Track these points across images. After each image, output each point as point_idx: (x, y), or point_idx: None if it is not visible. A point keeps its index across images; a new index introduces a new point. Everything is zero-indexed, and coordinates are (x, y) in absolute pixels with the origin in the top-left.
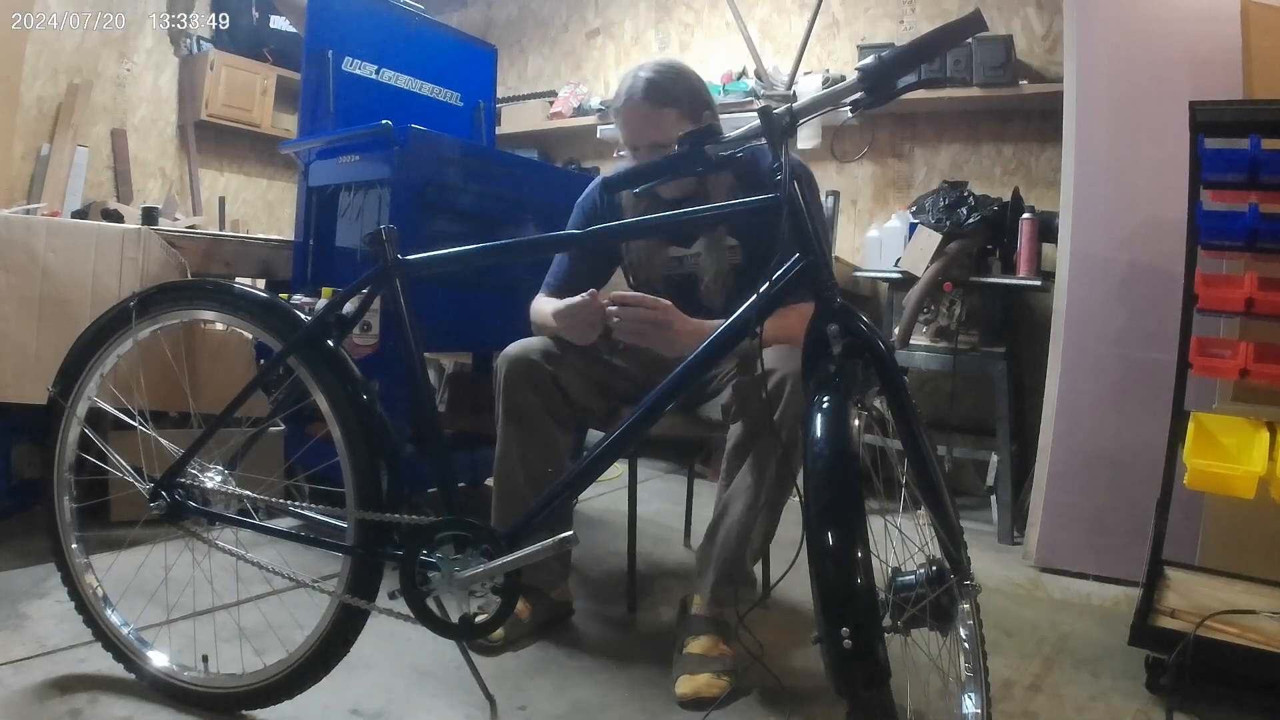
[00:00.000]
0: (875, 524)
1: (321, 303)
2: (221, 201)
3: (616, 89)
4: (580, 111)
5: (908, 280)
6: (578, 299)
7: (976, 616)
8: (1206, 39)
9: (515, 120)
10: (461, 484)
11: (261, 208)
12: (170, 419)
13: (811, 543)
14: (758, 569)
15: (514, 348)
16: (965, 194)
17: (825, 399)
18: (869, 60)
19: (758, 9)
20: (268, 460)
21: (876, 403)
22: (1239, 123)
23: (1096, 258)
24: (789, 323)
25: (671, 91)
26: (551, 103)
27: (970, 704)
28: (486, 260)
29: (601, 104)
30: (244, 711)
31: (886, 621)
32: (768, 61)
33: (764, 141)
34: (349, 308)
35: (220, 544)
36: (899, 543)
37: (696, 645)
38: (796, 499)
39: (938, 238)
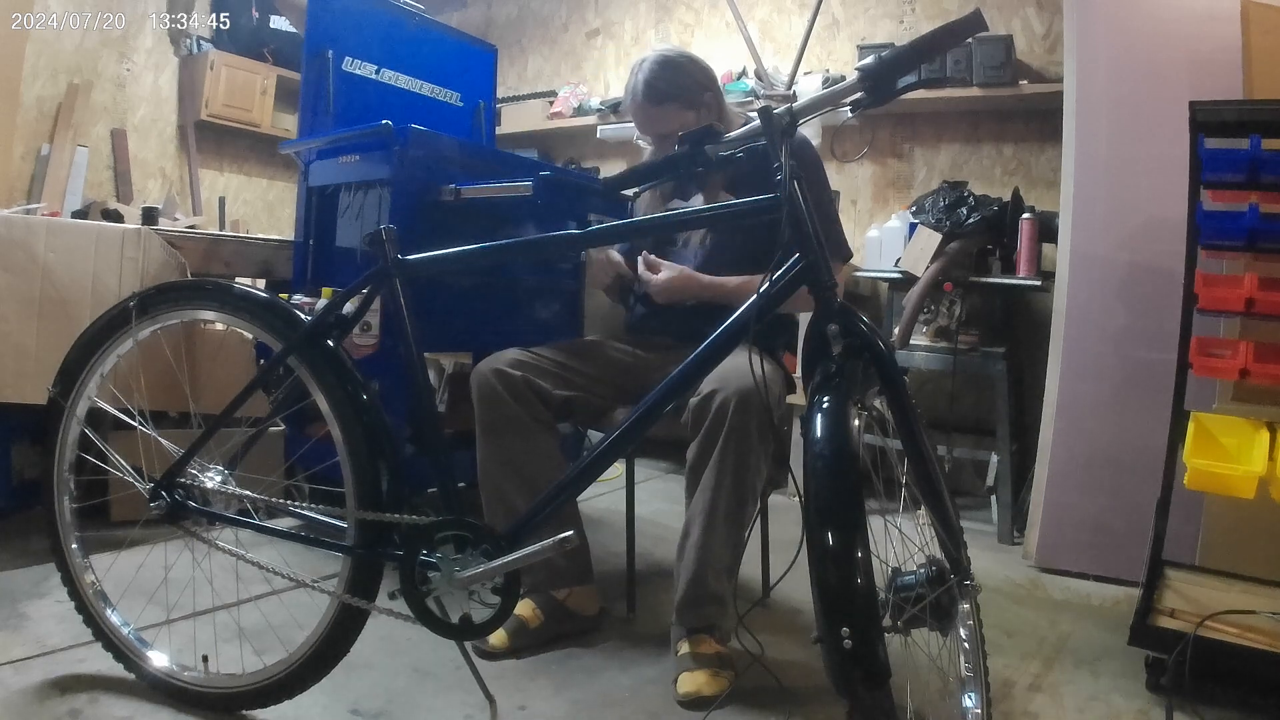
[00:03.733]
0: (875, 524)
1: (321, 303)
2: (221, 201)
3: (626, 82)
4: (580, 111)
5: (908, 280)
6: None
7: (976, 616)
8: (1206, 39)
9: (515, 120)
10: (461, 484)
11: (261, 208)
12: (170, 419)
13: (811, 543)
14: (757, 571)
15: (483, 363)
16: (965, 194)
17: (825, 399)
18: (869, 60)
19: (758, 9)
20: (268, 460)
21: (876, 403)
22: (1239, 123)
23: (1096, 258)
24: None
25: (667, 90)
26: (551, 103)
27: (970, 703)
28: (486, 260)
29: (601, 104)
30: (244, 711)
31: (886, 621)
32: (768, 61)
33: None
34: (349, 308)
35: (220, 544)
36: (899, 543)
37: (690, 645)
38: (797, 500)
39: (938, 238)
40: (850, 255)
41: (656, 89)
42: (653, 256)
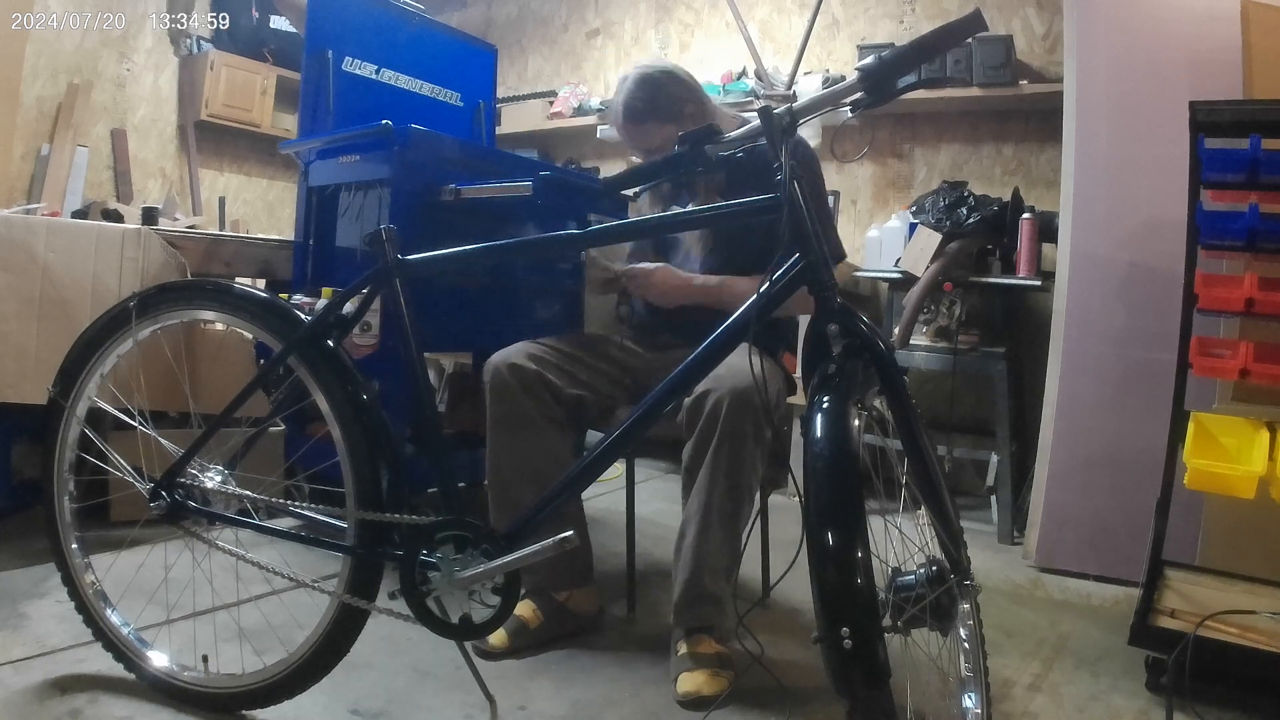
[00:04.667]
0: (875, 524)
1: (321, 303)
2: (221, 201)
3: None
4: (580, 111)
5: (908, 280)
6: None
7: (976, 616)
8: (1206, 39)
9: (515, 120)
10: (461, 484)
11: (261, 208)
12: (170, 419)
13: (811, 543)
14: (757, 571)
15: (497, 355)
16: (965, 194)
17: (825, 399)
18: (869, 60)
19: (758, 9)
20: (268, 460)
21: (876, 403)
22: (1239, 123)
23: (1096, 258)
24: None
25: (644, 109)
26: (551, 103)
27: (970, 703)
28: (486, 260)
29: (601, 104)
30: (244, 711)
31: (886, 621)
32: (768, 61)
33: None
34: (349, 308)
35: (220, 544)
36: (899, 543)
37: (689, 645)
38: (797, 500)
39: (938, 238)
40: (844, 256)
41: (634, 109)
42: (637, 267)
